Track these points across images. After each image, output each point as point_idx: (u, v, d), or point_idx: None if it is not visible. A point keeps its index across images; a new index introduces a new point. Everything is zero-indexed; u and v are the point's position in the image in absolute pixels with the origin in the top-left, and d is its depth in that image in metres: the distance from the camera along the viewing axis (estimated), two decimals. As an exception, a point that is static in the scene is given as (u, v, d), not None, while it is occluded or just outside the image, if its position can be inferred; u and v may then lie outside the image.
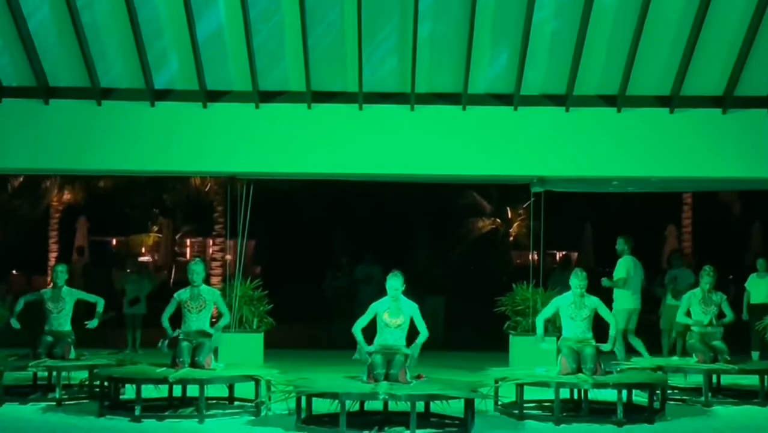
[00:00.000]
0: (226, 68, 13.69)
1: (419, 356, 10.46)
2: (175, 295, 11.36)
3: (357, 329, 10.49)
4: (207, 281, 11.62)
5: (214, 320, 11.63)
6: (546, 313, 11.32)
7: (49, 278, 20.42)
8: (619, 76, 13.58)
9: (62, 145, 13.93)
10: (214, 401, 11.21)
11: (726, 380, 12.84)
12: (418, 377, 10.45)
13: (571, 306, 11.06)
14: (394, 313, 10.35)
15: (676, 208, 25.62)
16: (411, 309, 10.43)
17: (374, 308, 10.45)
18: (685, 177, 14.58)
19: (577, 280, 11.09)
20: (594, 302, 11.08)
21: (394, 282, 10.42)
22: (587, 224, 29.64)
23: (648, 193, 19.08)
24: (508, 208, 30.52)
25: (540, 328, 11.19)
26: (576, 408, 11.19)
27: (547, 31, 13.26)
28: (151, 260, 31.65)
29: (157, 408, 10.89)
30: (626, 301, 14.36)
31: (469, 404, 9.99)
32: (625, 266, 14.54)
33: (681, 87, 13.67)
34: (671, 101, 13.88)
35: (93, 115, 13.92)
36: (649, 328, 16.63)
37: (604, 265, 18.36)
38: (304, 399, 10.12)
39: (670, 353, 15.34)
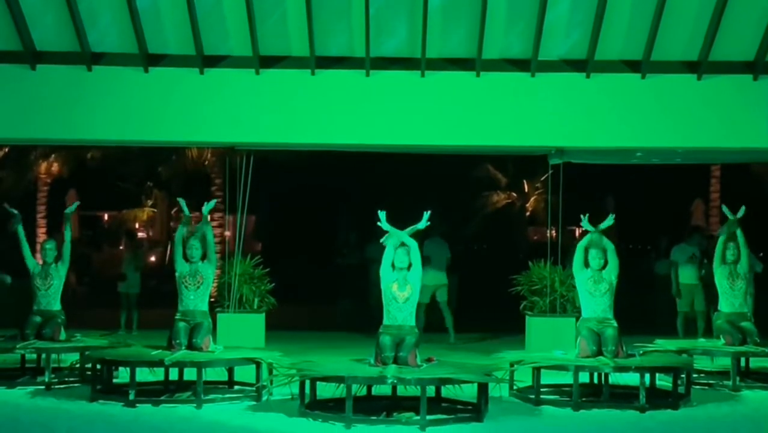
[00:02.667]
0: (225, 31, 13.67)
1: (425, 342, 10.50)
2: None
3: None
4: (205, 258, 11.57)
5: (212, 300, 11.68)
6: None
7: (38, 255, 20.48)
8: (643, 40, 13.54)
9: (50, 113, 13.95)
10: (212, 386, 11.26)
11: (755, 363, 12.85)
12: (429, 360, 10.48)
13: (590, 280, 11.08)
14: (402, 285, 10.35)
15: (704, 182, 25.55)
16: (414, 274, 10.39)
17: (388, 272, 10.41)
18: (713, 148, 14.56)
19: (595, 249, 11.15)
20: (610, 270, 11.10)
21: (401, 256, 10.43)
22: (609, 198, 29.59)
23: (674, 165, 19.02)
24: (525, 182, 30.42)
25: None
26: (596, 393, 11.22)
27: (566, -8, 13.23)
28: (145, 236, 31.71)
29: (153, 393, 10.96)
30: (430, 277, 15.86)
31: (483, 388, 10.03)
32: (430, 245, 16.21)
33: (709, 51, 13.62)
34: (699, 66, 13.84)
35: (83, 81, 13.93)
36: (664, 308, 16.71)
37: (626, 241, 18.41)
38: (308, 383, 10.17)
39: (686, 335, 15.42)
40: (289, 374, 10.29)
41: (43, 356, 11.81)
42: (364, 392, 10.49)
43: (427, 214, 10.61)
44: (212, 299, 11.66)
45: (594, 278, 11.07)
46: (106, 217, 34.71)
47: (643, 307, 17.94)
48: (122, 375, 11.33)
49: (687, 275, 15.89)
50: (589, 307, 11.06)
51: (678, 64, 13.92)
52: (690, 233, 17.14)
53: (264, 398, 10.82)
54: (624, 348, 10.95)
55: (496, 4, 13.18)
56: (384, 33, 13.58)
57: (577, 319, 11.47)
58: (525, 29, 13.53)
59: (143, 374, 10.97)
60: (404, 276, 10.38)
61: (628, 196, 29.31)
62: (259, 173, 15.13)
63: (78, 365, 12.02)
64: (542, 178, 27.15)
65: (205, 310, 11.22)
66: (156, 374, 11.19)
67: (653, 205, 30.71)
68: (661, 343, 12.47)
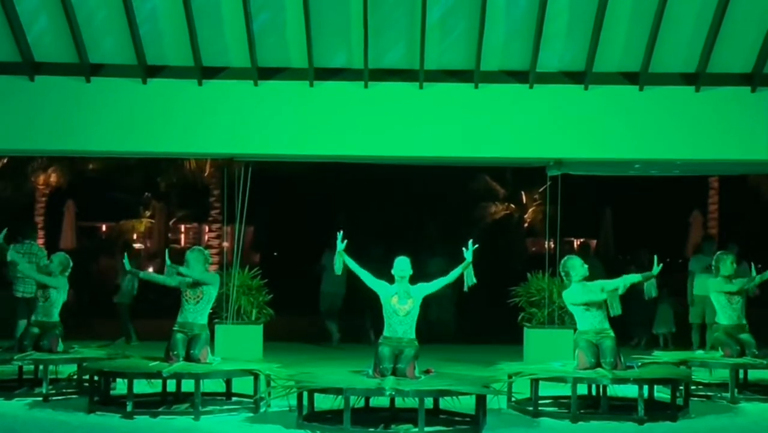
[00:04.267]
0: (223, 43, 13.69)
1: (424, 352, 10.47)
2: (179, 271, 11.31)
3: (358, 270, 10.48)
4: (203, 270, 11.56)
5: (211, 311, 11.66)
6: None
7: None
8: (641, 52, 13.56)
9: (49, 124, 13.96)
10: (210, 397, 11.23)
11: (754, 375, 12.84)
12: (427, 371, 10.46)
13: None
14: (402, 298, 10.32)
15: (702, 193, 25.59)
16: (419, 291, 10.40)
17: (383, 286, 10.41)
18: (711, 160, 14.57)
19: (582, 269, 11.12)
20: (597, 285, 11.08)
21: (401, 265, 10.41)
22: (607, 209, 29.62)
23: (672, 177, 19.06)
24: (523, 193, 30.48)
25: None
26: (594, 405, 11.19)
27: (565, 3, 13.23)
28: (143, 247, 31.72)
29: (150, 404, 10.92)
30: (327, 285, 17.33)
31: (481, 400, 10.00)
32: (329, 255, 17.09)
33: (707, 64, 13.65)
34: (697, 79, 13.86)
35: (81, 92, 13.94)
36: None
37: (624, 253, 18.39)
38: (306, 395, 10.14)
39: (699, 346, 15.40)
40: (287, 385, 10.25)
41: (41, 367, 11.80)
42: (362, 403, 10.47)
43: (471, 248, 10.56)
44: (211, 311, 11.63)
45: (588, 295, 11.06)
46: (104, 228, 34.75)
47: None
48: (120, 387, 11.30)
49: (702, 286, 15.62)
50: (586, 320, 11.03)
51: (676, 76, 13.94)
52: (706, 243, 17.08)
53: (262, 409, 10.80)
54: (622, 360, 10.93)
55: (494, 16, 13.20)
56: (383, 45, 13.60)
57: (575, 331, 11.45)
58: (523, 41, 13.55)
59: (141, 386, 10.94)
60: (406, 289, 10.36)
61: (626, 208, 29.34)
62: (257, 184, 15.13)
63: (76, 377, 11.99)
64: (540, 190, 27.18)
65: (204, 323, 11.19)
66: (154, 386, 11.16)
67: (652, 216, 30.75)
68: (660, 355, 12.45)
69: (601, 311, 11.00)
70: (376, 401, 10.54)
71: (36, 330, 11.98)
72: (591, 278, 11.14)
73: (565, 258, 11.37)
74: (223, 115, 14.00)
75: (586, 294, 10.97)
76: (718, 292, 12.46)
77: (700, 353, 13.38)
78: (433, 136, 14.07)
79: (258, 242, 31.30)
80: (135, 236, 31.46)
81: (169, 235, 32.70)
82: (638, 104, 14.00)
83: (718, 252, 12.93)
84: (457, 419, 10.37)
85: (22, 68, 13.81)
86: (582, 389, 11.10)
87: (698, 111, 13.99)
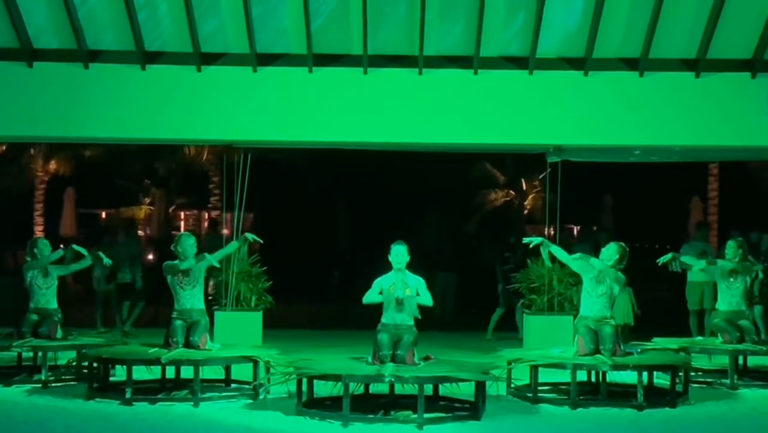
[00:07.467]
0: (222, 29, 13.66)
1: (423, 339, 10.48)
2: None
3: (367, 299, 10.45)
4: (202, 256, 11.55)
5: (210, 297, 11.66)
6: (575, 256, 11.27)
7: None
8: (641, 38, 13.53)
9: (47, 111, 13.92)
10: (209, 384, 11.24)
11: (753, 361, 12.85)
12: (427, 358, 10.46)
13: (592, 280, 11.03)
14: (400, 287, 10.32)
15: (702, 179, 25.59)
16: (417, 282, 10.41)
17: (379, 283, 10.43)
18: (711, 146, 14.55)
19: (608, 253, 11.06)
20: (619, 280, 11.00)
21: (398, 254, 10.39)
22: (607, 196, 29.60)
23: (671, 163, 19.04)
24: (523, 180, 30.45)
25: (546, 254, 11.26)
26: (594, 391, 11.21)
27: (564, -11, 13.21)
28: (143, 234, 31.73)
29: (149, 391, 10.95)
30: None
31: (481, 386, 10.01)
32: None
33: (708, 49, 13.61)
34: (697, 65, 13.83)
35: (80, 79, 13.91)
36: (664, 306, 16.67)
37: (624, 240, 18.31)
38: (305, 381, 10.14)
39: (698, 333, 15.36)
40: (286, 372, 10.27)
41: (40, 354, 11.82)
42: (361, 390, 10.47)
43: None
44: (210, 297, 11.63)
45: (596, 277, 11.03)
46: (103, 215, 34.74)
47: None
48: (119, 373, 11.31)
49: (697, 273, 15.56)
50: (586, 305, 11.04)
51: (676, 62, 13.91)
52: (698, 229, 16.98)
53: (261, 396, 10.81)
54: (622, 346, 10.94)
55: (493, 2, 13.17)
56: (382, 30, 13.56)
57: (575, 317, 11.45)
58: (523, 27, 13.52)
59: (140, 372, 10.95)
60: (403, 278, 10.35)
61: (626, 195, 29.34)
62: (256, 171, 15.10)
63: (75, 363, 12.00)
64: (540, 177, 27.14)
65: (202, 308, 11.19)
66: (153, 372, 11.17)
67: (652, 202, 30.76)
68: (659, 341, 12.45)
69: (604, 297, 10.98)
70: (375, 388, 10.55)
71: (35, 317, 11.99)
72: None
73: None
74: (222, 101, 13.97)
75: (592, 270, 10.98)
76: (720, 277, 12.46)
77: (699, 339, 13.39)
78: (433, 122, 14.04)
79: (257, 228, 31.25)
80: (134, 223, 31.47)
81: (169, 222, 32.69)
82: (638, 90, 13.97)
83: (730, 240, 12.84)
84: (456, 405, 10.39)
85: (21, 54, 13.77)
86: (581, 376, 11.11)
87: (698, 97, 13.96)
